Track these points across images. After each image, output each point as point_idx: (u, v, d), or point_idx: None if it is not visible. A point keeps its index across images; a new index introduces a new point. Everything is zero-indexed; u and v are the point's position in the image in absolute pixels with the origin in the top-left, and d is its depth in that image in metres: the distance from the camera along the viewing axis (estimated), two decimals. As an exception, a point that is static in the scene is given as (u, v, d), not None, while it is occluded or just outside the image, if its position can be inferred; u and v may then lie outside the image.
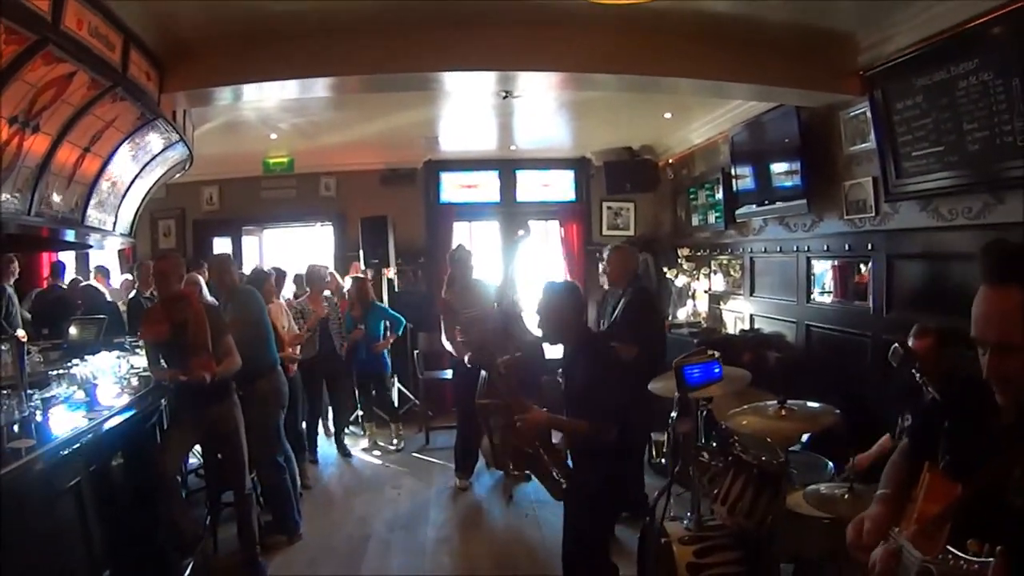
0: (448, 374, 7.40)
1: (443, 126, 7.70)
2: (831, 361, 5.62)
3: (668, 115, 7.20)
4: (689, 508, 3.50)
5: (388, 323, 7.54)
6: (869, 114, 4.93)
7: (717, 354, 2.96)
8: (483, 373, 5.72)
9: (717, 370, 2.95)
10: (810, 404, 3.39)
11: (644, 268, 8.09)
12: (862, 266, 5.40)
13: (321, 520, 5.60)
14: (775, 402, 3.33)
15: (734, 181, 6.97)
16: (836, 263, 5.74)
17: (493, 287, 6.12)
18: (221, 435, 4.55)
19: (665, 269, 8.38)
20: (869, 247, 5.17)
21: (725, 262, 7.71)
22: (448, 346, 6.28)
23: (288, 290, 7.44)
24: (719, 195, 7.41)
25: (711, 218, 7.71)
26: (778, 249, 6.47)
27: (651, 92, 5.61)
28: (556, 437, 4.13)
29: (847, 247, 5.44)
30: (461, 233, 9.34)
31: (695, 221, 8.19)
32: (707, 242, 8.10)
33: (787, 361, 6.06)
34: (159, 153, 5.45)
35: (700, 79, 5.01)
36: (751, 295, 7.08)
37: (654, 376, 3.78)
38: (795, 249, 6.15)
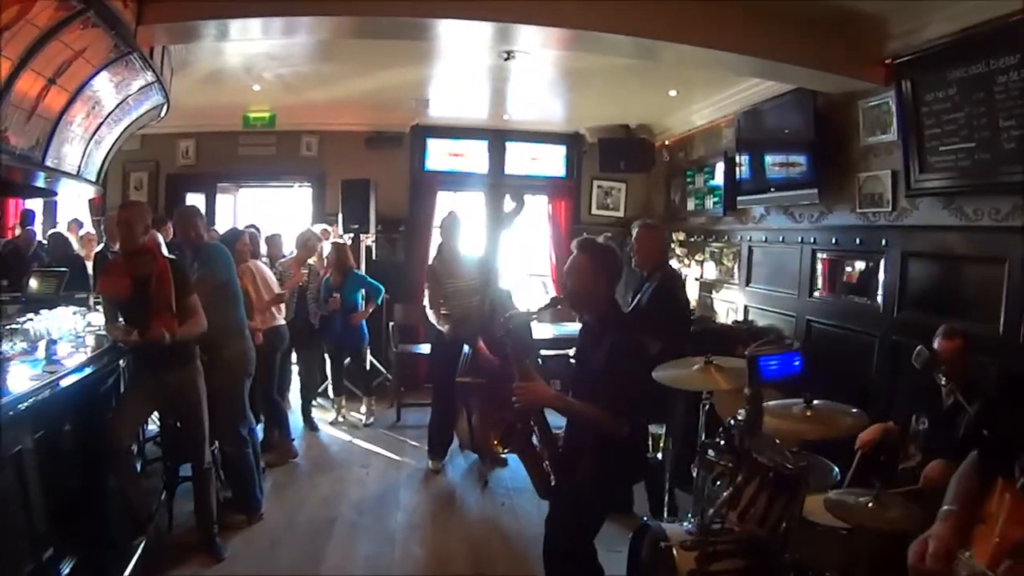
0: (423, 348, 7.12)
1: (434, 88, 7.35)
2: (832, 358, 5.34)
3: (673, 93, 6.92)
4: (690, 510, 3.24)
5: (366, 292, 7.15)
6: (893, 104, 4.70)
7: (796, 344, 2.69)
8: (465, 349, 5.45)
9: (797, 363, 2.67)
10: (834, 404, 3.12)
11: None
12: (848, 265, 5.27)
13: (284, 499, 5.31)
14: (800, 400, 3.04)
15: (738, 167, 6.68)
16: (825, 257, 5.55)
17: (479, 260, 5.78)
18: (181, 403, 4.23)
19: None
20: (883, 243, 4.92)
21: (718, 250, 7.48)
22: (431, 315, 5.94)
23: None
24: (718, 180, 7.16)
25: (709, 203, 7.47)
26: (780, 239, 6.22)
27: (656, 60, 5.25)
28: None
29: (858, 241, 5.19)
30: (445, 203, 8.95)
31: (690, 205, 7.94)
32: (701, 228, 7.86)
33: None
34: (132, 93, 5.03)
35: (711, 48, 4.67)
36: (747, 285, 6.84)
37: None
38: (799, 240, 5.89)
